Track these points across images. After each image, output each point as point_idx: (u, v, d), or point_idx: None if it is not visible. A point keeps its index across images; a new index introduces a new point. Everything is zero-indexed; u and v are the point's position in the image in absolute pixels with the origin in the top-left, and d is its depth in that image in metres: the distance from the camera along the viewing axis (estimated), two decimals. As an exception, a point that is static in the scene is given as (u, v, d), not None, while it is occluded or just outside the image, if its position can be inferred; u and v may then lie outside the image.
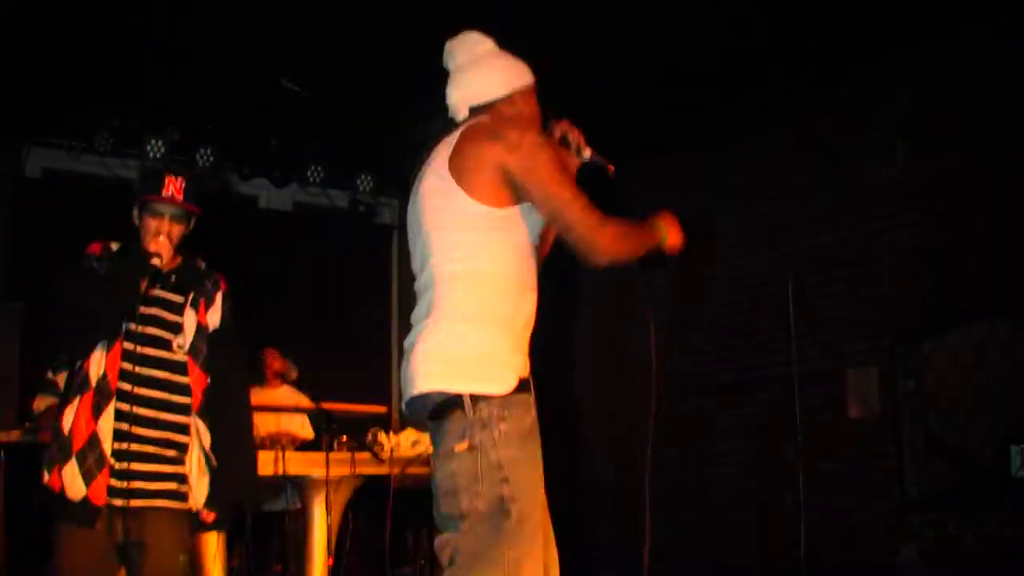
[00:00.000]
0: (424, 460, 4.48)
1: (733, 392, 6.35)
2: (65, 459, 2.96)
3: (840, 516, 5.54)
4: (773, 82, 5.81)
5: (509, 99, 2.60)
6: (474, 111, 2.59)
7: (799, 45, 5.38)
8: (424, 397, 2.32)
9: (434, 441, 2.38)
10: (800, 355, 5.75)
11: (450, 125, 2.65)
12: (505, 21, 5.22)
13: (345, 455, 4.31)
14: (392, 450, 4.40)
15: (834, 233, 5.88)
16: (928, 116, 5.50)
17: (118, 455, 2.96)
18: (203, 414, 3.11)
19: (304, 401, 5.99)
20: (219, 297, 3.27)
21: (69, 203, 6.66)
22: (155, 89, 5.99)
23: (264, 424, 5.72)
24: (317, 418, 4.38)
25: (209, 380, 3.14)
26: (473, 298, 2.36)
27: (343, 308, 7.49)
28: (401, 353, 2.48)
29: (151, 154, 6.64)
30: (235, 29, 5.28)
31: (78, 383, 3.02)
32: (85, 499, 2.93)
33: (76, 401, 3.00)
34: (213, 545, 4.16)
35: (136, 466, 2.98)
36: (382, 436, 4.45)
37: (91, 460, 2.95)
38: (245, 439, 3.32)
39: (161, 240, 3.11)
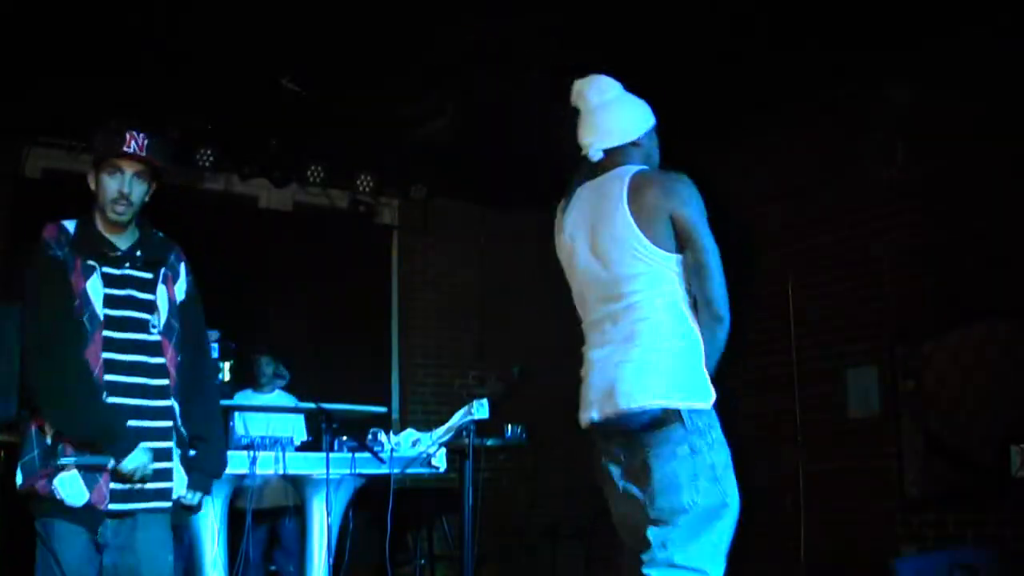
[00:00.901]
0: (424, 460, 4.48)
1: (734, 391, 6.34)
2: (61, 466, 2.76)
3: (840, 516, 5.54)
4: (773, 82, 5.81)
5: (637, 143, 2.93)
6: (607, 151, 2.92)
7: (799, 45, 5.38)
8: (640, 411, 2.64)
9: (645, 446, 2.66)
10: (800, 355, 5.76)
11: (583, 164, 3.01)
12: (505, 21, 5.26)
13: (345, 455, 4.31)
14: (392, 450, 4.40)
15: (834, 233, 5.89)
16: (928, 116, 5.50)
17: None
18: (178, 392, 2.94)
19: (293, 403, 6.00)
20: (183, 268, 3.11)
21: (69, 203, 6.62)
22: (155, 89, 5.99)
23: (256, 427, 5.74)
24: (317, 418, 4.37)
25: (181, 350, 2.97)
26: (678, 323, 2.69)
27: (343, 308, 7.49)
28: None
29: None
30: (235, 29, 5.28)
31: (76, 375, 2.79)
32: (88, 504, 2.76)
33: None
34: (209, 544, 4.16)
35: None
36: (382, 436, 4.45)
37: (96, 472, 2.77)
38: (217, 409, 3.19)
39: (122, 206, 2.92)
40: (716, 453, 2.63)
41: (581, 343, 2.97)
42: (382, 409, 5.14)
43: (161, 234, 3.10)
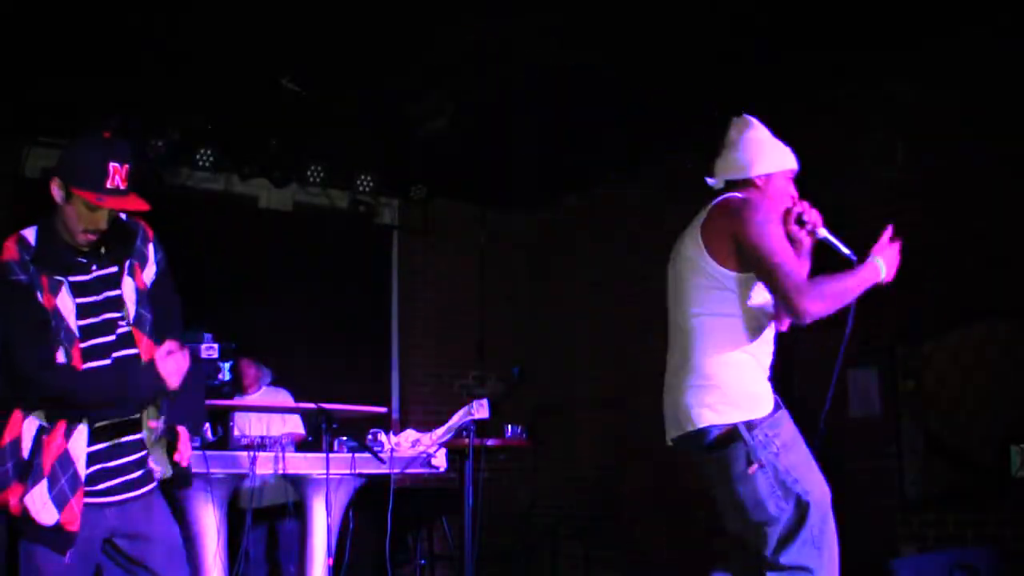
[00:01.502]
0: (424, 460, 4.49)
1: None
2: (31, 483, 2.67)
3: (840, 516, 5.54)
4: (773, 82, 5.81)
5: (755, 180, 3.10)
6: (729, 184, 3.15)
7: (799, 45, 5.38)
8: (697, 432, 2.93)
9: (718, 464, 2.92)
10: (800, 355, 5.75)
11: (707, 195, 3.20)
12: (505, 21, 5.26)
13: (345, 455, 4.31)
14: (392, 450, 4.40)
15: (834, 233, 5.88)
16: (928, 116, 5.50)
17: (92, 458, 2.76)
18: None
19: (285, 399, 5.99)
20: (150, 250, 2.96)
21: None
22: (155, 89, 5.99)
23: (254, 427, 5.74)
24: (316, 418, 4.37)
25: (156, 332, 2.89)
26: (728, 342, 2.94)
27: (343, 308, 7.50)
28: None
29: (151, 154, 6.64)
30: (235, 29, 5.28)
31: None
32: (57, 525, 2.67)
33: (35, 416, 2.72)
34: (210, 544, 4.16)
35: (111, 463, 2.80)
36: (382, 436, 4.45)
37: (63, 482, 2.68)
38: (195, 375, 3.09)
39: (92, 236, 2.76)
40: (784, 458, 2.85)
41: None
42: (382, 409, 5.15)
43: (124, 217, 2.92)
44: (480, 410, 4.39)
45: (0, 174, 6.55)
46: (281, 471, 4.21)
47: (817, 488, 2.89)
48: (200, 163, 6.82)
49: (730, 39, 5.38)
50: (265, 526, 5.75)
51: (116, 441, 2.82)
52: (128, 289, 2.87)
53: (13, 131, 6.46)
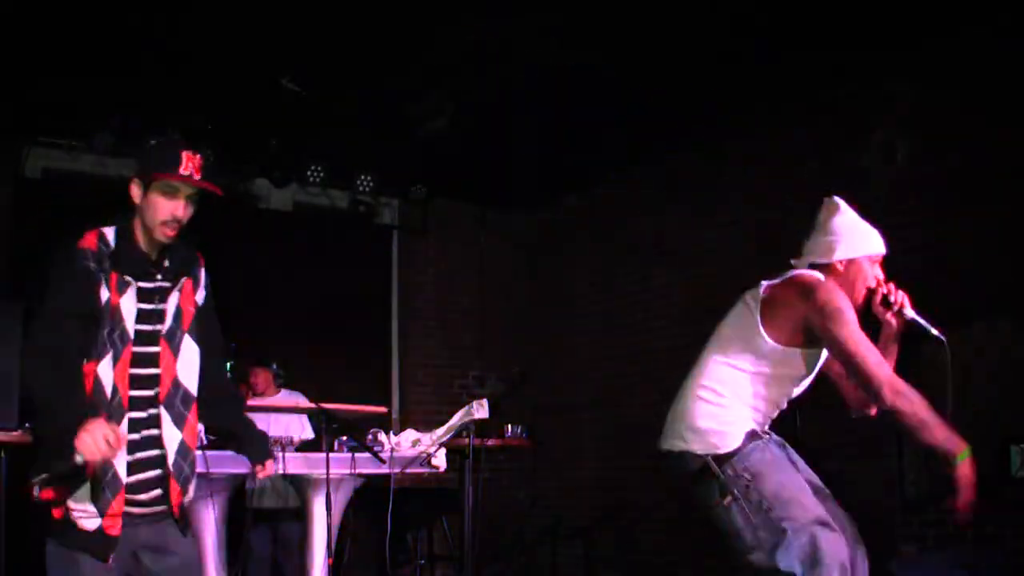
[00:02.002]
0: (424, 460, 4.49)
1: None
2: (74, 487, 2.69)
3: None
4: (773, 82, 5.81)
5: (836, 264, 3.18)
6: (812, 266, 3.21)
7: (799, 45, 5.38)
8: (679, 456, 3.14)
9: (699, 493, 3.10)
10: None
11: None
12: (505, 21, 5.26)
13: (345, 455, 4.31)
14: (392, 450, 4.40)
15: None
16: (928, 116, 5.50)
17: (131, 467, 2.75)
18: (171, 403, 2.83)
19: (302, 402, 6.00)
20: (202, 275, 3.03)
21: (69, 203, 6.65)
22: (155, 89, 5.99)
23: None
24: (317, 418, 4.37)
25: (204, 352, 2.94)
26: (723, 388, 3.11)
27: (343, 308, 7.50)
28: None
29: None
30: (235, 29, 5.28)
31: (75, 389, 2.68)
32: (99, 530, 2.68)
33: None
34: (210, 544, 4.16)
35: (136, 477, 2.78)
36: (382, 436, 4.45)
37: (105, 487, 2.69)
38: (243, 406, 3.21)
39: (172, 228, 2.80)
40: (757, 489, 2.95)
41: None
42: (382, 409, 5.15)
43: (182, 242, 2.99)
44: (480, 410, 4.39)
45: (0, 174, 6.55)
46: (281, 471, 4.20)
47: (799, 512, 2.93)
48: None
49: (730, 39, 5.38)
50: (266, 526, 5.75)
51: (139, 455, 2.79)
52: (171, 304, 2.90)
53: (13, 131, 6.46)
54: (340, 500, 4.43)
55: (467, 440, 4.49)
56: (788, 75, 5.72)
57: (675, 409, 3.20)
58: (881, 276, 3.23)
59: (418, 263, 8.10)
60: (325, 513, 4.30)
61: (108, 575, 2.71)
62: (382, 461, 4.31)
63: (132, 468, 2.76)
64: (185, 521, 2.88)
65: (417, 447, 4.49)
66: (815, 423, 5.80)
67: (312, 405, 5.17)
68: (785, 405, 3.22)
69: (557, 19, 5.16)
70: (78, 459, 2.53)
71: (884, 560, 4.93)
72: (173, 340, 2.87)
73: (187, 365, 2.89)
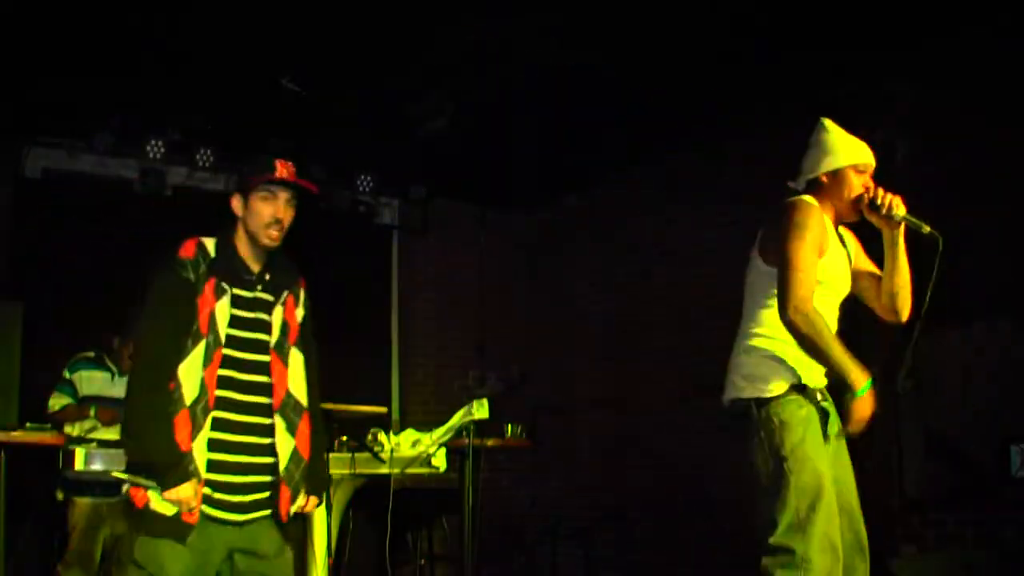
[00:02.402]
0: (424, 460, 4.48)
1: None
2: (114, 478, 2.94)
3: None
4: (772, 82, 5.81)
5: (821, 178, 3.30)
6: (806, 185, 3.33)
7: (799, 45, 5.38)
8: (730, 404, 3.19)
9: (743, 435, 3.15)
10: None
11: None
12: (505, 21, 5.26)
13: (345, 455, 4.31)
14: (392, 450, 4.40)
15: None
16: (928, 116, 5.50)
17: (215, 467, 2.91)
18: (284, 411, 3.03)
19: None
20: (302, 294, 3.24)
21: (69, 203, 6.66)
22: (155, 89, 5.99)
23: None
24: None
25: (304, 371, 3.13)
26: (756, 329, 3.17)
27: (343, 308, 7.49)
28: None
29: (151, 154, 6.64)
30: (235, 29, 5.28)
31: (169, 398, 2.87)
32: (176, 516, 2.85)
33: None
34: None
35: (235, 478, 2.94)
36: (382, 436, 4.45)
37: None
38: (322, 425, 3.32)
39: (276, 230, 3.03)
40: (779, 436, 3.00)
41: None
42: (382, 409, 5.14)
43: (285, 258, 3.20)
44: (480, 410, 4.39)
45: (0, 174, 6.55)
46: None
47: (808, 474, 2.95)
48: (200, 163, 6.82)
49: (730, 39, 5.38)
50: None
51: (241, 459, 2.96)
52: (277, 317, 3.09)
53: (13, 131, 6.46)
54: (340, 500, 4.42)
55: (467, 440, 4.49)
56: (788, 75, 5.72)
57: (729, 363, 3.25)
58: (871, 185, 3.27)
59: (418, 263, 8.10)
60: (325, 513, 4.30)
61: (193, 564, 2.86)
62: (382, 461, 4.31)
63: (229, 469, 2.93)
64: (289, 526, 3.03)
65: (417, 447, 4.49)
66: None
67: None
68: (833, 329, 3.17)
69: (557, 19, 5.16)
70: (159, 499, 2.84)
71: (884, 560, 4.94)
72: (282, 351, 3.06)
73: (296, 376, 3.09)
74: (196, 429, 2.86)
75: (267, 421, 3.00)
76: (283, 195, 3.03)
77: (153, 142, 6.59)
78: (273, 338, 3.05)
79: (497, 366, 7.99)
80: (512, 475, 7.96)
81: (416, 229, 8.04)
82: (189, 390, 2.87)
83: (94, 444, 4.52)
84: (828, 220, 3.20)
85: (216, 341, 2.92)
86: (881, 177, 5.91)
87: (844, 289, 3.27)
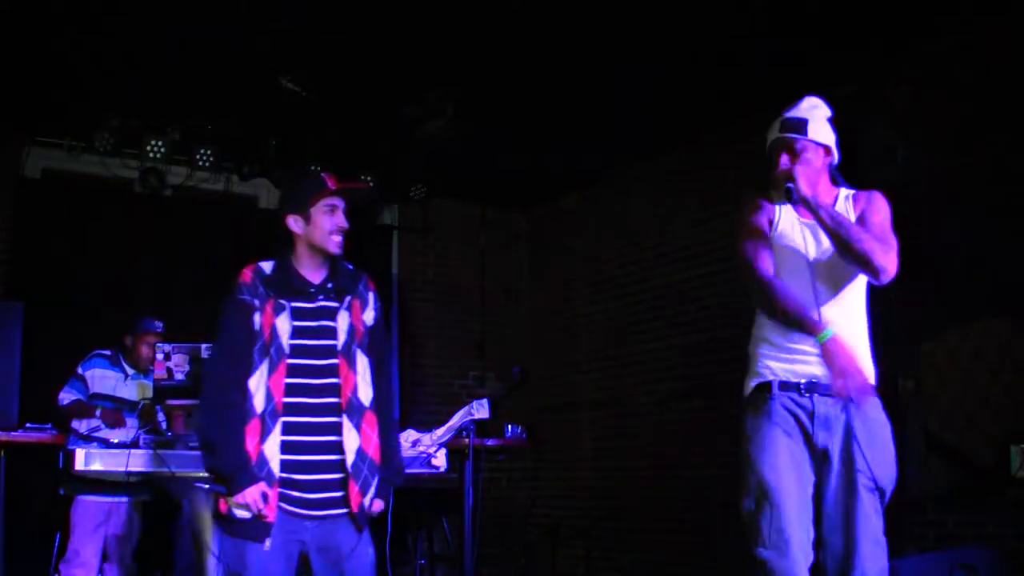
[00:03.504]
0: (424, 460, 4.48)
1: (734, 392, 6.34)
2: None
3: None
4: (773, 82, 5.81)
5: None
6: None
7: (799, 45, 5.38)
8: None
9: None
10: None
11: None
12: (506, 21, 5.25)
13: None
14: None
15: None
16: (928, 116, 5.50)
17: (290, 467, 3.08)
18: (350, 411, 3.16)
19: None
20: (371, 297, 3.41)
21: (69, 203, 6.66)
22: (155, 89, 5.99)
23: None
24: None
25: (372, 371, 3.27)
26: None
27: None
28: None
29: (151, 154, 6.65)
30: (235, 29, 5.28)
31: (238, 411, 3.07)
32: (255, 518, 3.03)
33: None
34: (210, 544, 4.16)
35: (309, 476, 3.10)
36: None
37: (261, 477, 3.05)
38: (394, 425, 3.43)
39: (340, 236, 3.24)
40: (744, 433, 3.11)
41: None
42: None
43: (351, 266, 3.42)
44: (480, 410, 4.39)
45: (0, 174, 6.55)
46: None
47: (752, 476, 3.04)
48: (200, 163, 6.83)
49: (730, 39, 5.38)
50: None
51: (313, 457, 3.12)
52: (343, 322, 3.26)
53: (13, 131, 6.47)
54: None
55: (467, 440, 4.49)
56: (787, 75, 5.71)
57: None
58: (784, 162, 3.29)
59: (418, 263, 8.10)
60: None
61: (275, 563, 3.04)
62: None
63: (302, 468, 3.09)
64: (362, 521, 3.16)
65: (417, 447, 4.49)
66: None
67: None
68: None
69: (557, 19, 5.17)
70: (234, 509, 3.04)
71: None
72: (349, 354, 3.22)
73: (363, 377, 3.23)
74: (266, 434, 3.05)
75: (336, 419, 3.16)
76: (340, 205, 3.27)
77: (153, 142, 6.59)
78: (339, 342, 3.21)
79: (497, 366, 7.99)
80: (512, 475, 7.97)
81: (416, 229, 8.04)
82: (259, 400, 3.07)
83: (94, 444, 4.52)
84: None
85: (280, 353, 3.11)
86: (881, 177, 5.92)
87: (814, 255, 3.18)
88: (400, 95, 6.10)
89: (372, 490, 3.18)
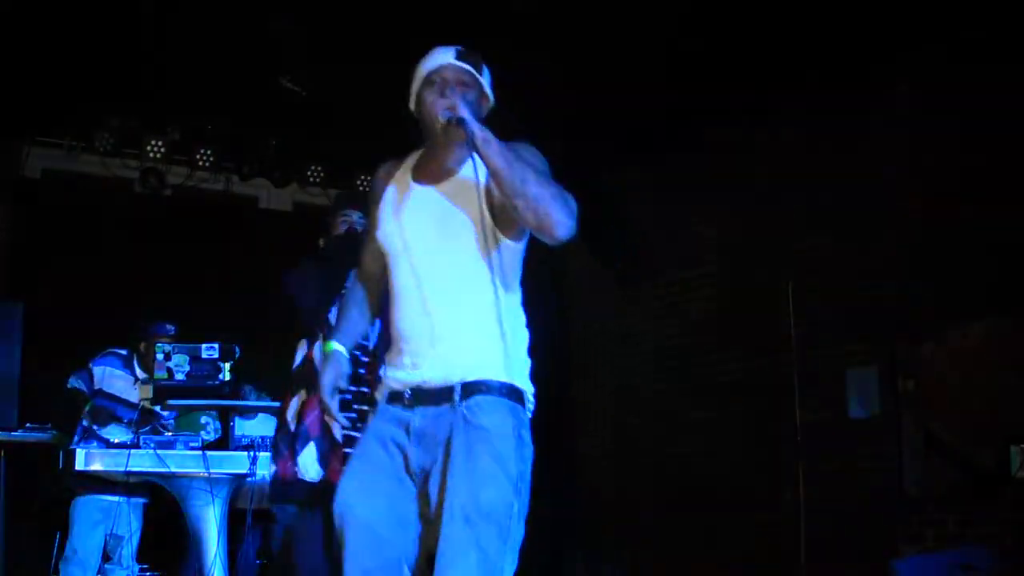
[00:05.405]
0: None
1: (734, 392, 6.35)
2: (300, 447, 3.26)
3: (840, 516, 5.55)
4: (773, 82, 5.81)
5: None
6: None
7: (799, 45, 5.38)
8: None
9: None
10: (800, 355, 5.76)
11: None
12: (504, 21, 5.25)
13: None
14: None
15: (834, 233, 5.89)
16: (928, 116, 5.50)
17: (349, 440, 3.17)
18: None
19: None
20: None
21: (69, 203, 6.66)
22: (155, 89, 5.99)
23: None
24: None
25: None
26: None
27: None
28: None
29: (151, 154, 6.64)
30: (235, 29, 5.28)
31: (304, 376, 3.27)
32: (323, 480, 3.16)
33: (303, 395, 3.30)
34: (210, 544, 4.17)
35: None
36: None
37: (326, 446, 3.23)
38: None
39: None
40: None
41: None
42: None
43: None
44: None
45: (0, 174, 6.55)
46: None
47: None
48: (200, 163, 6.82)
49: (729, 39, 5.38)
50: (267, 526, 5.74)
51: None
52: None
53: (13, 131, 6.47)
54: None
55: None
56: (786, 75, 5.72)
57: None
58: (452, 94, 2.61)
59: (418, 263, 8.08)
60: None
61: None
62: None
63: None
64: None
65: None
66: (815, 422, 5.81)
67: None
68: (400, 324, 2.57)
69: (556, 19, 5.17)
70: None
71: (884, 560, 4.94)
72: None
73: None
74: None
75: None
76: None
77: (153, 142, 6.59)
78: None
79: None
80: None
81: (416, 229, 8.02)
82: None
83: (94, 444, 4.52)
84: (406, 165, 2.68)
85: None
86: (881, 177, 5.93)
87: (422, 238, 2.56)
88: (400, 95, 6.09)
89: None
